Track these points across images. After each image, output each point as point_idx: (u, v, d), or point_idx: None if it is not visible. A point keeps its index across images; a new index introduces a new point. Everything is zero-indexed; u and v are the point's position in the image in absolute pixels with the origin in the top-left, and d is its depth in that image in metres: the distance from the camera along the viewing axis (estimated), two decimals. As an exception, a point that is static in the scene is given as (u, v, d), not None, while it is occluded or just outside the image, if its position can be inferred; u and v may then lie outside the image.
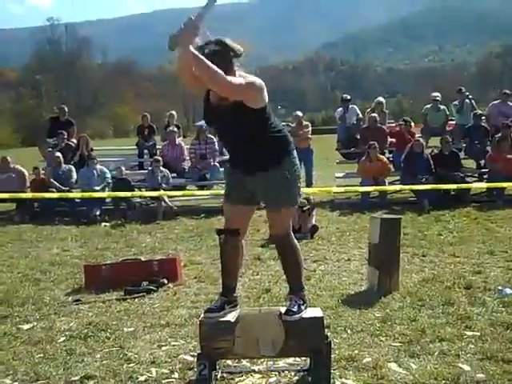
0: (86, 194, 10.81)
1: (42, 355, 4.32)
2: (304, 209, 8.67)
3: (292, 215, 3.75)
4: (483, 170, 11.95)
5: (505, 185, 10.30)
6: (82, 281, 6.42)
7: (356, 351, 4.10)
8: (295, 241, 3.75)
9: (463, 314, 4.78)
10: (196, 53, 3.30)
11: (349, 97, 14.05)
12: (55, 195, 10.70)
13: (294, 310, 3.60)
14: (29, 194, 11.12)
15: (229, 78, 3.34)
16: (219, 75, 3.30)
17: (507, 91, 13.25)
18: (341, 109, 13.84)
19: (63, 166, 12.11)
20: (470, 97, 13.28)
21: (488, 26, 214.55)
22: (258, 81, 3.49)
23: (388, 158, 12.05)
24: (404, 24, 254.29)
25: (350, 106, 13.82)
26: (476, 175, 12.37)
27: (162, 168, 11.73)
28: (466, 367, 3.78)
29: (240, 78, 3.43)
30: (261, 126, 3.52)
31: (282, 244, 3.72)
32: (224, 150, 11.32)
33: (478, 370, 3.74)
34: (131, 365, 4.08)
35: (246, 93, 3.41)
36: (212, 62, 3.28)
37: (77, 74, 71.22)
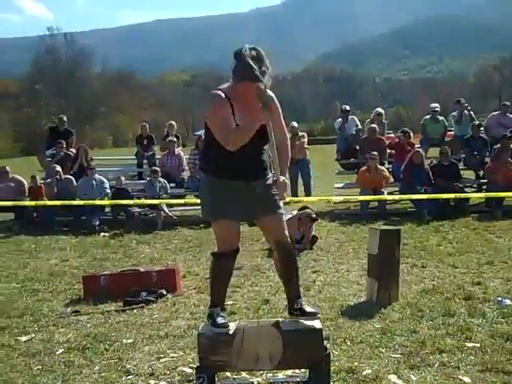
0: (89, 202, 10.79)
1: (40, 367, 4.30)
2: (313, 217, 8.60)
3: None
4: (482, 181, 11.96)
5: (503, 195, 10.31)
6: (80, 291, 6.41)
7: (356, 363, 4.08)
8: None
9: (463, 326, 4.76)
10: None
11: (348, 107, 14.08)
12: (58, 203, 10.67)
13: (311, 310, 3.70)
14: (31, 202, 11.05)
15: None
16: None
17: (507, 103, 13.28)
18: (340, 119, 13.86)
19: (63, 177, 12.04)
20: (469, 108, 13.30)
21: (487, 38, 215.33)
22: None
23: (387, 169, 12.03)
24: (403, 35, 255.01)
25: (350, 117, 13.83)
26: (475, 186, 12.38)
27: (160, 178, 11.72)
28: (466, 379, 3.77)
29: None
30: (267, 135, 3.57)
31: (288, 248, 3.71)
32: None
33: (478, 382, 3.72)
34: (130, 377, 4.06)
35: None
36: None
37: (76, 83, 71.27)
